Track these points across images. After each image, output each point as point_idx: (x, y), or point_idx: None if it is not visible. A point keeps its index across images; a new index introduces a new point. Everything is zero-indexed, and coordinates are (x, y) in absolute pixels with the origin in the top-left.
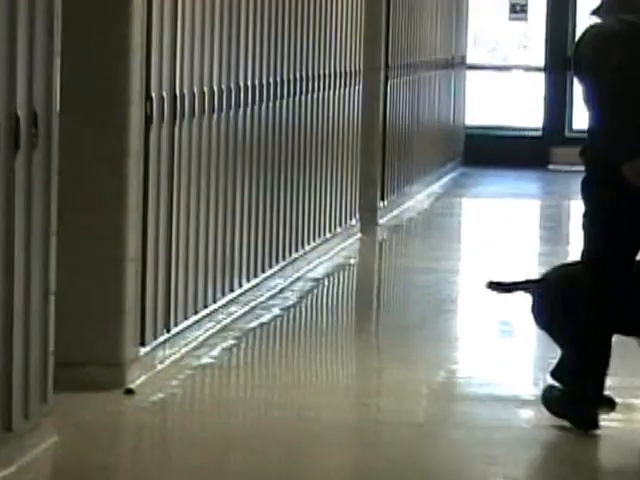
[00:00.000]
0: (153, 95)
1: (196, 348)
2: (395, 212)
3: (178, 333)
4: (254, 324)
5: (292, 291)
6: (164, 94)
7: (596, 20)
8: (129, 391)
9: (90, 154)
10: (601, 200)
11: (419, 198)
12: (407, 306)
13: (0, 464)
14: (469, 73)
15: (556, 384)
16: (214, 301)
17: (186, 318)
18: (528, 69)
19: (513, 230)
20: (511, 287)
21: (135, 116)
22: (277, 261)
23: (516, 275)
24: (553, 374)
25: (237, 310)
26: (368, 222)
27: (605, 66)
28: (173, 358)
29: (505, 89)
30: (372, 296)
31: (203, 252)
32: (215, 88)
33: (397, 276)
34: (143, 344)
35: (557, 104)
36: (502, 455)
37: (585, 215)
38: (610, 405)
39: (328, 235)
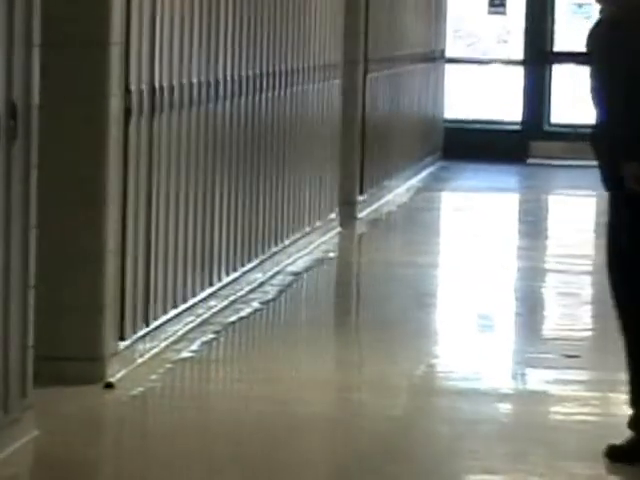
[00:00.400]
0: (132, 88)
1: (176, 342)
2: (374, 206)
3: (158, 327)
4: (234, 318)
5: (272, 285)
6: (143, 87)
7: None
8: (109, 385)
9: (69, 147)
10: None
11: (398, 192)
12: (387, 300)
13: None
14: (448, 67)
15: None
16: (194, 295)
17: (165, 312)
18: (507, 63)
19: (492, 224)
20: None
21: (114, 109)
22: (256, 255)
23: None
24: None
25: (217, 304)
26: (347, 216)
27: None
28: (153, 352)
29: (484, 83)
30: (352, 290)
31: (182, 245)
32: (194, 81)
33: (377, 270)
34: (122, 338)
35: (536, 98)
36: (483, 449)
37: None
38: None
39: (307, 229)
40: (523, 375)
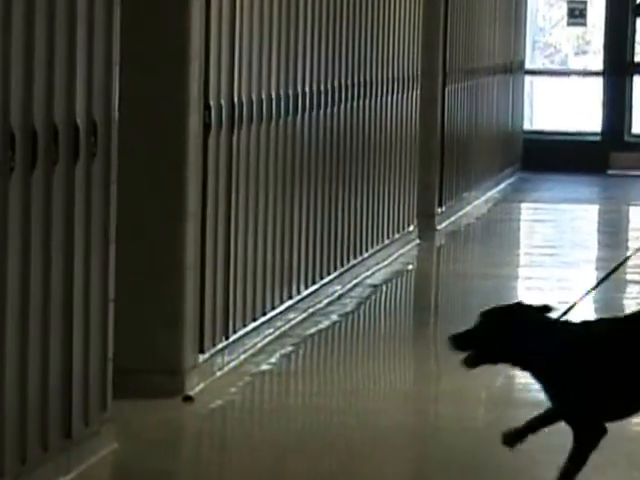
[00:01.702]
0: (211, 103)
1: (255, 355)
2: (453, 218)
3: (237, 340)
4: (312, 330)
5: (350, 297)
6: (222, 102)
7: None
8: (188, 398)
9: (149, 162)
10: None
11: (477, 204)
12: (465, 312)
13: (59, 471)
14: (527, 78)
15: None
16: (272, 308)
17: (245, 325)
18: (587, 74)
19: (572, 235)
20: None
21: (194, 124)
22: (335, 267)
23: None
24: None
25: (295, 317)
26: (426, 228)
27: None
28: (232, 365)
29: (564, 94)
30: (430, 302)
31: (261, 259)
32: (273, 95)
33: (455, 282)
34: (202, 351)
35: (616, 109)
36: (561, 460)
37: None
38: None
39: (386, 241)
40: None
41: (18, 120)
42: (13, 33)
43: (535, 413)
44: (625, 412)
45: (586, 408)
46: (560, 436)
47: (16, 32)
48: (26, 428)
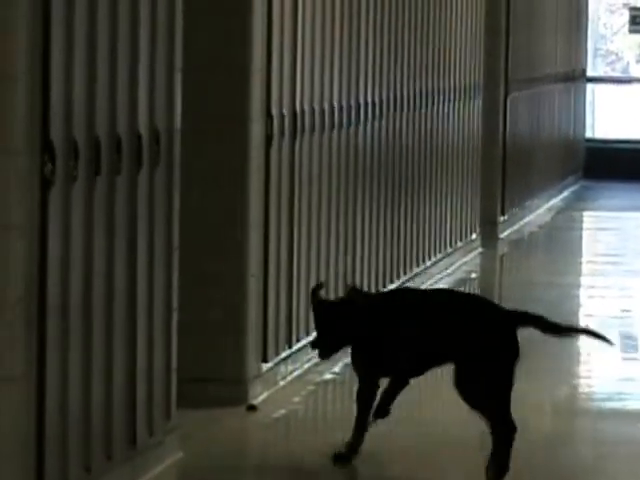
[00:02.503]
0: (273, 113)
1: (318, 364)
2: (516, 226)
3: (300, 349)
4: None
5: None
6: (284, 111)
7: None
8: (252, 407)
9: (212, 171)
10: None
11: (540, 212)
12: None
13: None
14: (589, 86)
15: None
16: None
17: (308, 334)
18: None
19: (635, 243)
20: None
21: (256, 134)
22: (398, 276)
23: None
24: None
25: None
26: (489, 236)
27: None
28: (295, 374)
29: (625, 101)
30: None
31: (324, 267)
32: (335, 104)
33: (519, 290)
34: (265, 360)
35: None
36: (626, 469)
37: None
38: None
39: (449, 250)
40: None
41: (81, 130)
42: (75, 43)
43: (599, 423)
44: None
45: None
46: (627, 445)
47: (78, 43)
48: (91, 437)
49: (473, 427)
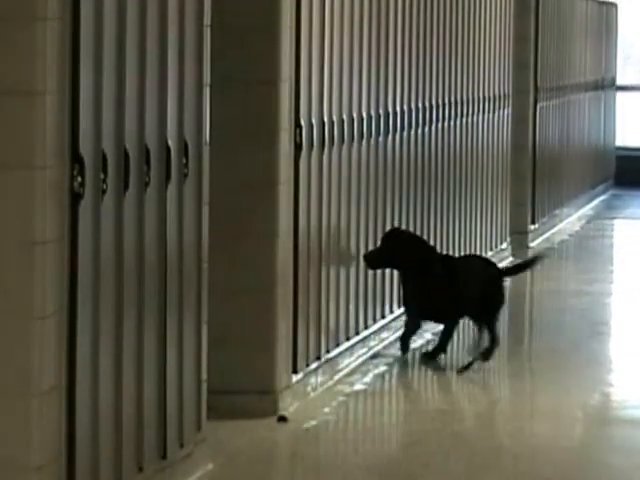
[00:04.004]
0: (302, 123)
1: (348, 375)
2: (546, 235)
3: (330, 360)
4: None
5: None
6: (313, 121)
7: None
8: (282, 418)
9: (241, 182)
10: None
11: (570, 220)
12: (560, 329)
13: None
14: (619, 94)
15: None
16: (366, 327)
17: (338, 345)
18: None
19: None
20: None
21: (285, 144)
22: None
23: None
24: None
25: (388, 336)
26: (519, 245)
27: None
28: (325, 385)
29: None
30: (524, 319)
31: (354, 278)
32: (364, 114)
33: (549, 299)
34: (295, 371)
35: None
36: None
37: None
38: None
39: None
40: None
41: (110, 142)
42: (104, 58)
43: (631, 431)
44: None
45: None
46: None
47: (108, 54)
48: (122, 449)
49: (501, 436)
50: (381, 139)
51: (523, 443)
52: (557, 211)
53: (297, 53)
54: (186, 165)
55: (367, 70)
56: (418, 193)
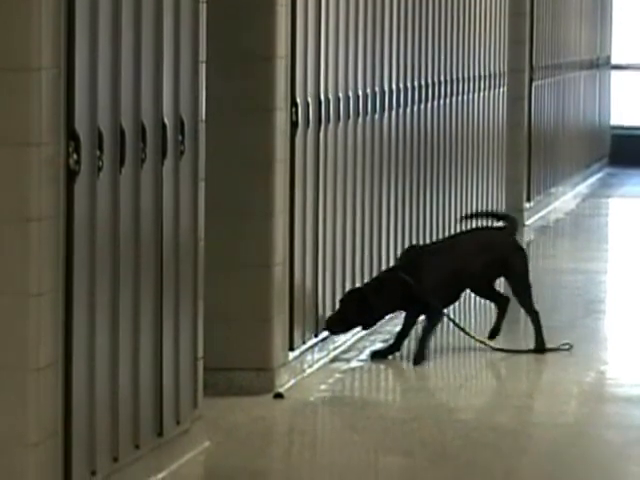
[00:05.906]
0: (298, 101)
1: (345, 352)
2: (542, 213)
3: (326, 337)
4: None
5: None
6: (309, 99)
7: None
8: (278, 395)
9: (236, 160)
10: None
11: (565, 199)
12: (556, 307)
13: (151, 470)
14: (614, 73)
15: None
16: None
17: None
18: None
19: None
20: None
21: (281, 122)
22: None
23: None
24: None
25: None
26: None
27: None
28: (322, 362)
29: None
30: None
31: (350, 256)
32: (360, 92)
33: (545, 277)
34: (292, 349)
35: None
36: None
37: None
38: None
39: None
40: None
41: (106, 119)
42: (100, 34)
43: (627, 408)
44: None
45: None
46: None
47: (103, 31)
48: (118, 427)
49: (499, 414)
50: (377, 117)
51: (520, 420)
52: (552, 189)
53: (293, 31)
54: (182, 142)
55: (363, 48)
56: (414, 171)
